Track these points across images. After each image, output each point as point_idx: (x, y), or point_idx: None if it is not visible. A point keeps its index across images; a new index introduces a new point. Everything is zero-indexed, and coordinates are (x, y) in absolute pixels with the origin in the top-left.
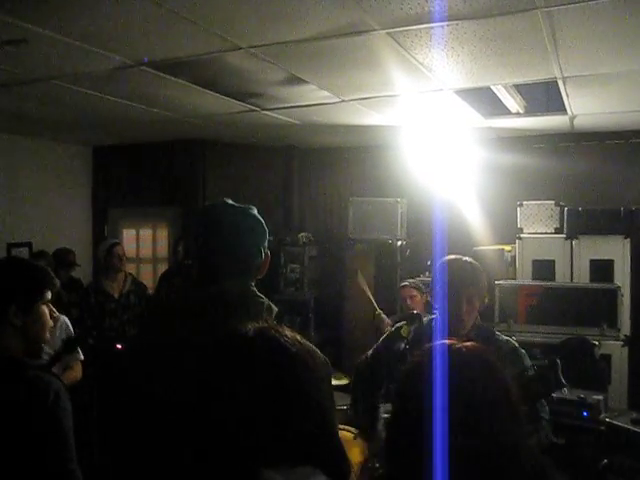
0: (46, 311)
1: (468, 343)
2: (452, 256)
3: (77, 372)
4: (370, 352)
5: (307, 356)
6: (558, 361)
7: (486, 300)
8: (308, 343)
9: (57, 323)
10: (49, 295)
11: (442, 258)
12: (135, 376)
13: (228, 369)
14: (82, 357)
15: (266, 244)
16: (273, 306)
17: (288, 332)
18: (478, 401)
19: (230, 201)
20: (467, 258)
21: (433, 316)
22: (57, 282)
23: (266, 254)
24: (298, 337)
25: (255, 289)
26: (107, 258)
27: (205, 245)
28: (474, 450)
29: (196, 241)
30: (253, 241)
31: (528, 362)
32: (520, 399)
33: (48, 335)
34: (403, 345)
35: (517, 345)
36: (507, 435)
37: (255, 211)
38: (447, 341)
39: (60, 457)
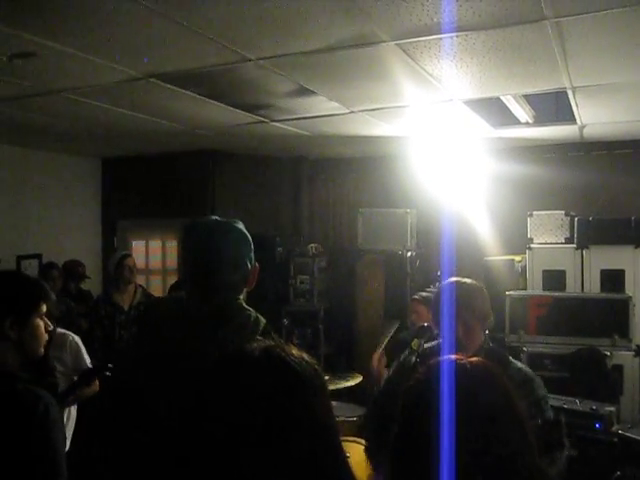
0: (41, 324)
1: (473, 358)
2: (450, 279)
3: (95, 385)
4: (382, 385)
5: (314, 376)
6: (562, 420)
7: (490, 320)
8: (314, 361)
9: (66, 342)
10: (44, 308)
11: (444, 281)
12: (132, 394)
13: (233, 391)
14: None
15: (252, 256)
16: (261, 318)
17: (295, 351)
18: (483, 415)
19: (216, 217)
20: (467, 280)
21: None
22: (52, 295)
23: (253, 266)
24: (305, 356)
25: (242, 301)
26: (117, 270)
27: (193, 259)
28: (480, 463)
29: (184, 256)
30: (239, 253)
31: (542, 393)
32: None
33: (42, 349)
34: (414, 359)
35: (532, 375)
36: (514, 451)
37: (241, 224)
38: (452, 357)
39: (50, 472)
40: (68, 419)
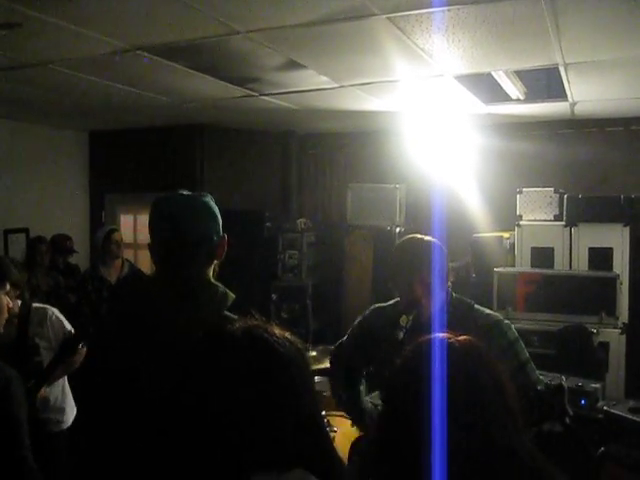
0: (4, 301)
1: (462, 337)
2: (408, 236)
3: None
4: (344, 339)
5: (297, 355)
6: (565, 387)
7: (451, 278)
8: (297, 340)
9: (46, 316)
10: (8, 286)
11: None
12: (109, 373)
13: (215, 372)
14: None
15: (219, 228)
16: (229, 293)
17: (277, 330)
18: (471, 396)
19: (184, 191)
20: (424, 237)
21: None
22: (15, 273)
23: (221, 237)
24: (287, 335)
25: (210, 276)
26: (105, 244)
27: (157, 234)
28: (469, 443)
29: (149, 231)
30: (203, 226)
31: (514, 334)
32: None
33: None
34: (402, 334)
35: (500, 317)
36: (502, 431)
37: (208, 197)
38: (440, 335)
39: (11, 443)
40: (64, 395)
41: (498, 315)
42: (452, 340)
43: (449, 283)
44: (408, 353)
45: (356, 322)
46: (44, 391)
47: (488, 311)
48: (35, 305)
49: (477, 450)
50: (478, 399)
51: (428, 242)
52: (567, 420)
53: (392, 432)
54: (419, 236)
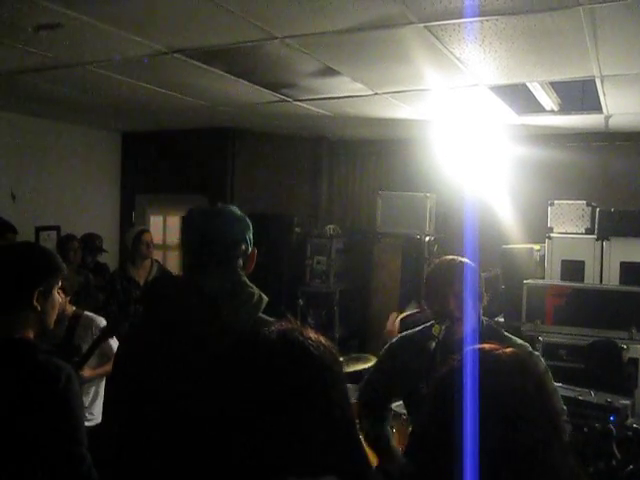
0: (58, 297)
1: (508, 349)
2: (445, 257)
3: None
4: (371, 374)
5: (332, 359)
6: (614, 431)
7: (484, 300)
8: (331, 344)
9: (92, 324)
10: (60, 282)
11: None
12: (142, 376)
13: (250, 375)
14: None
15: (250, 238)
16: (264, 296)
17: (312, 334)
18: (516, 410)
19: (218, 203)
20: (461, 258)
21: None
22: (65, 269)
23: (251, 249)
24: (322, 339)
25: (246, 279)
26: (135, 244)
27: (190, 240)
28: (511, 455)
29: (182, 241)
30: (233, 231)
31: (543, 366)
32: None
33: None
34: (434, 344)
35: (531, 350)
36: (546, 448)
37: (237, 209)
38: (485, 346)
39: (71, 441)
40: (96, 396)
41: (529, 346)
42: (499, 351)
43: (482, 304)
44: (453, 362)
45: (382, 353)
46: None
47: (520, 341)
48: (87, 313)
49: (520, 467)
50: (523, 412)
51: (461, 261)
52: (614, 462)
53: (431, 438)
54: (454, 257)
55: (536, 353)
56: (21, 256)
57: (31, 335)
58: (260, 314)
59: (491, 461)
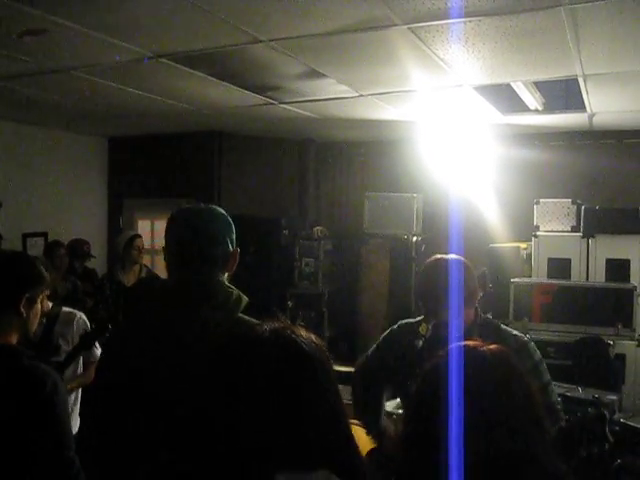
0: (43, 304)
1: (492, 346)
2: (436, 256)
3: (91, 376)
4: (370, 351)
5: (323, 357)
6: (607, 415)
7: (479, 297)
8: (321, 342)
9: (73, 320)
10: (45, 289)
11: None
12: (129, 374)
13: (242, 372)
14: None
15: (233, 238)
16: (243, 296)
17: (303, 332)
18: (499, 403)
19: (198, 204)
20: (452, 256)
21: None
22: (48, 276)
23: (234, 248)
24: (313, 337)
25: (224, 279)
26: (126, 249)
27: (173, 240)
28: (492, 455)
29: (166, 240)
30: (216, 230)
31: (538, 356)
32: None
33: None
34: (421, 343)
35: (526, 340)
36: (527, 439)
37: (218, 209)
38: (470, 343)
39: (58, 446)
40: (76, 405)
41: (524, 337)
42: (484, 348)
43: (477, 300)
44: (437, 359)
45: (383, 336)
46: None
47: (515, 332)
48: (65, 309)
49: (500, 457)
50: (506, 407)
51: (454, 260)
52: (606, 446)
53: (416, 435)
54: (445, 255)
55: (531, 343)
56: (9, 262)
57: (14, 340)
58: (240, 315)
59: (475, 459)
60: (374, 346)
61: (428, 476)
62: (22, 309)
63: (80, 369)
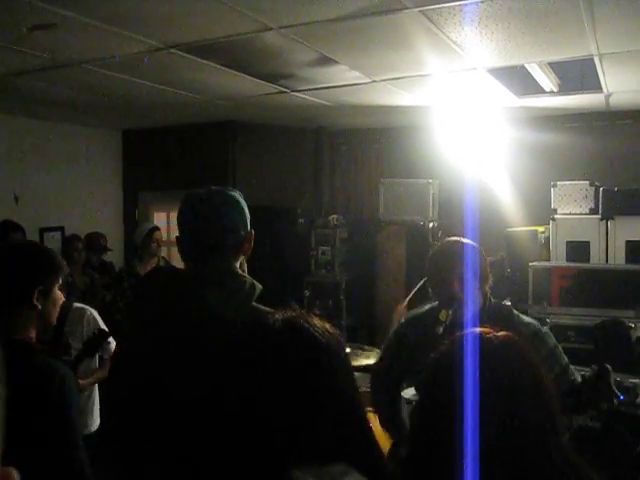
0: (59, 295)
1: (501, 333)
2: (448, 239)
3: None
4: (382, 350)
5: (338, 347)
6: (609, 368)
7: (490, 280)
8: (336, 331)
9: (84, 316)
10: (61, 279)
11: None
12: (139, 366)
13: (256, 363)
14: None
15: (247, 222)
16: (257, 284)
17: (317, 321)
18: (509, 393)
19: (212, 187)
20: (464, 240)
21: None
22: (66, 266)
23: (249, 233)
24: (327, 326)
25: (237, 267)
26: (145, 242)
27: (184, 226)
28: (503, 442)
29: (178, 225)
30: (229, 217)
31: (553, 341)
32: (563, 406)
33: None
34: (442, 329)
35: (539, 326)
36: (538, 430)
37: (235, 192)
38: (479, 330)
39: (64, 443)
40: (93, 402)
41: (537, 324)
42: (491, 335)
43: (487, 285)
44: (445, 347)
45: (392, 332)
46: None
47: (528, 319)
48: (75, 305)
49: (510, 450)
50: (515, 397)
51: (464, 243)
52: (615, 402)
53: (426, 426)
54: (457, 238)
55: (544, 329)
56: (20, 255)
57: (33, 335)
58: (254, 304)
59: (486, 449)
60: (384, 346)
61: (439, 469)
62: (36, 302)
63: (95, 364)
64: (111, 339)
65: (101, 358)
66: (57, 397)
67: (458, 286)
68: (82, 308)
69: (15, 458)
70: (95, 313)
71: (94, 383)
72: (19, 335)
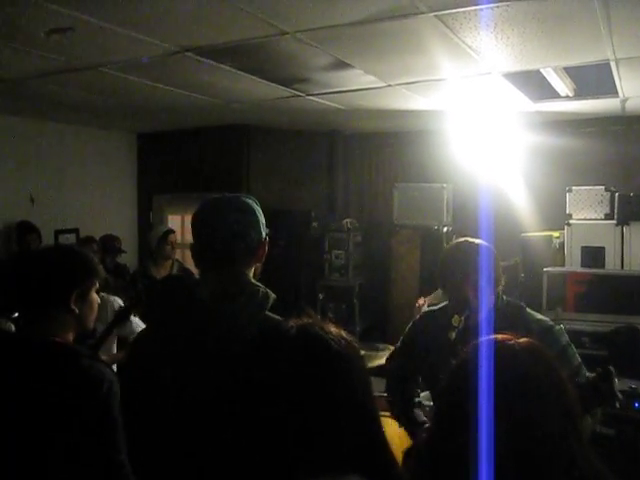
0: (96, 298)
1: (522, 339)
2: (459, 239)
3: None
4: (397, 347)
5: (354, 355)
6: (612, 370)
7: (502, 282)
8: (353, 339)
9: (107, 304)
10: (97, 283)
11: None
12: (152, 378)
13: (270, 371)
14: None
15: (261, 229)
16: (270, 293)
17: (333, 328)
18: (530, 401)
19: (226, 194)
20: (476, 240)
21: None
22: (102, 270)
23: (263, 240)
24: (343, 333)
25: (250, 276)
26: (160, 245)
27: (197, 233)
28: (526, 452)
29: (192, 233)
30: (242, 223)
31: (565, 339)
32: (576, 400)
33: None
34: (454, 334)
35: (551, 324)
36: (561, 438)
37: (250, 199)
38: (499, 336)
39: (111, 448)
40: None
41: (549, 320)
42: (513, 342)
43: (500, 287)
44: (466, 354)
45: (407, 329)
46: None
47: (539, 316)
48: (101, 294)
49: (533, 457)
50: (538, 404)
51: (478, 244)
52: (617, 404)
53: (444, 432)
54: (469, 239)
55: (557, 327)
56: (57, 258)
57: (70, 338)
58: (267, 313)
59: (504, 461)
60: (399, 342)
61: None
62: (73, 306)
63: (114, 350)
64: (133, 318)
65: (119, 343)
66: (105, 402)
67: (472, 293)
68: (105, 296)
69: (63, 462)
70: (119, 300)
71: (111, 365)
72: (58, 338)
